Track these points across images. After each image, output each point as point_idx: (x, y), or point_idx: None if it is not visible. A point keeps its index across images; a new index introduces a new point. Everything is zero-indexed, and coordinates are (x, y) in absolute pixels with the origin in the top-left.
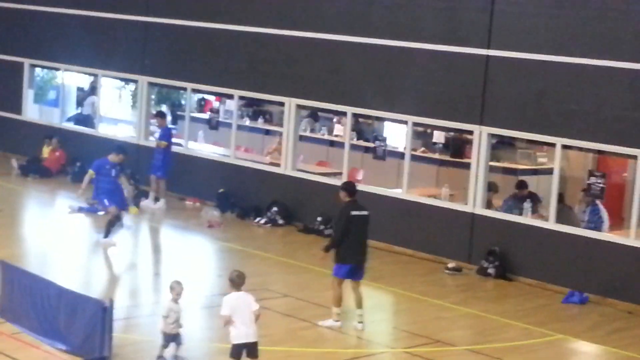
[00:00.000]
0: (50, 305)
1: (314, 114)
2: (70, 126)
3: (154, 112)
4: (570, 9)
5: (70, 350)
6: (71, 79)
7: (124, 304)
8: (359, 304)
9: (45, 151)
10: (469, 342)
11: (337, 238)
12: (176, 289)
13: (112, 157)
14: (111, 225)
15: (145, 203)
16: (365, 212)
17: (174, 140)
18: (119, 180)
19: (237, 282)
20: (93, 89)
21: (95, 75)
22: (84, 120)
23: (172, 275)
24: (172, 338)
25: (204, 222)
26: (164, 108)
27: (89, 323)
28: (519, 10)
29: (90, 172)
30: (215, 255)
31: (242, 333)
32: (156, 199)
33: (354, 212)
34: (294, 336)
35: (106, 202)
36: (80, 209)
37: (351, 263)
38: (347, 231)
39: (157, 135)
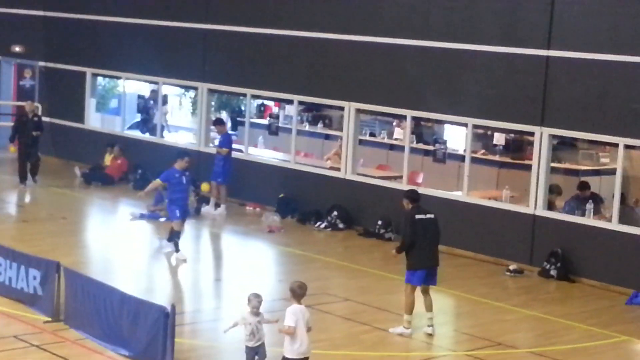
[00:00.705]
0: (113, 311)
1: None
2: (132, 134)
3: (213, 119)
4: (631, 7)
5: (133, 356)
6: (132, 87)
7: (186, 309)
8: (429, 308)
9: (108, 159)
10: (531, 345)
11: (406, 242)
12: (252, 301)
13: (179, 164)
14: (177, 237)
15: (207, 209)
16: (430, 215)
17: (234, 146)
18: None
19: (298, 293)
20: (164, 98)
21: (157, 83)
22: (153, 129)
23: (233, 280)
24: (254, 351)
25: (264, 227)
26: (223, 115)
27: (151, 329)
28: (579, 10)
29: (159, 181)
30: (275, 260)
31: (299, 349)
32: (217, 205)
33: (418, 216)
34: (355, 340)
35: (177, 213)
36: (142, 216)
37: (423, 268)
38: (415, 235)
39: (217, 142)
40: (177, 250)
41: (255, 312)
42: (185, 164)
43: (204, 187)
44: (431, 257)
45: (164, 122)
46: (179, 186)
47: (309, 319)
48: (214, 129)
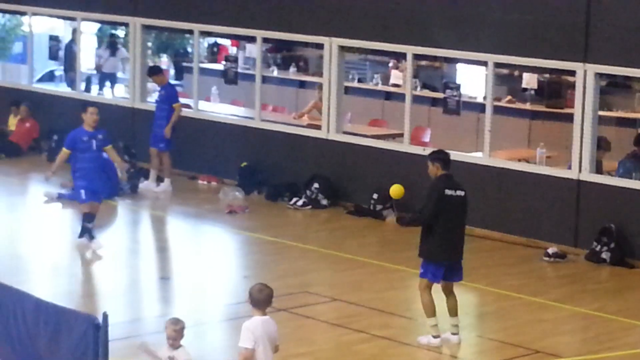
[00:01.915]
0: (26, 323)
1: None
2: (43, 87)
3: (149, 65)
4: None
5: None
6: (41, 25)
7: (121, 319)
8: (454, 311)
9: (12, 122)
10: (579, 352)
11: (424, 221)
12: (168, 329)
13: (86, 121)
14: (88, 221)
15: (145, 185)
16: (461, 192)
17: (181, 100)
18: (106, 154)
19: (259, 299)
20: (113, 43)
21: (74, 19)
22: (106, 78)
23: (183, 279)
24: None
25: (222, 207)
26: (164, 59)
27: (77, 346)
28: None
29: (64, 150)
30: (238, 251)
31: None
32: (159, 179)
33: (448, 191)
34: (347, 352)
35: (83, 194)
36: (61, 197)
37: (444, 260)
38: (439, 216)
39: (157, 95)
40: (92, 238)
41: (173, 345)
42: (93, 120)
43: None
44: (455, 247)
45: (120, 70)
46: (86, 153)
47: (275, 336)
48: (150, 80)
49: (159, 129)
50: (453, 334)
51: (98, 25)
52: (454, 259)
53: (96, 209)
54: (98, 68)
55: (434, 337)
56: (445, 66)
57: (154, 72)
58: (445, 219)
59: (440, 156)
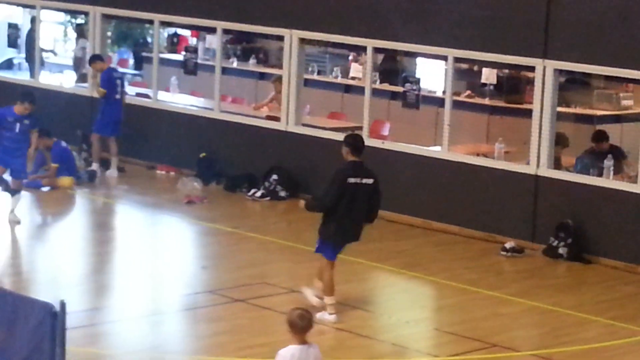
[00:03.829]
0: None
1: None
2: (2, 75)
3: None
4: None
5: None
6: (0, 13)
7: (79, 307)
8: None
9: None
10: (535, 346)
11: (324, 205)
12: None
13: (17, 107)
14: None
15: (110, 173)
16: (369, 181)
17: (140, 90)
18: (29, 137)
19: (300, 325)
20: (81, 32)
21: (33, 7)
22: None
23: (140, 268)
24: None
25: (181, 197)
26: (123, 49)
27: (34, 334)
28: None
29: None
30: (197, 241)
31: None
32: (120, 169)
33: (352, 179)
34: None
35: None
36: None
37: (337, 243)
38: (338, 202)
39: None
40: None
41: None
42: (24, 110)
43: (65, 182)
44: (352, 233)
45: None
46: (9, 133)
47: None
48: (89, 69)
49: (103, 116)
50: (330, 313)
51: (58, 13)
52: (350, 242)
53: (14, 185)
54: (78, 62)
55: (330, 314)
56: (406, 60)
57: (94, 59)
58: (346, 206)
59: (350, 141)
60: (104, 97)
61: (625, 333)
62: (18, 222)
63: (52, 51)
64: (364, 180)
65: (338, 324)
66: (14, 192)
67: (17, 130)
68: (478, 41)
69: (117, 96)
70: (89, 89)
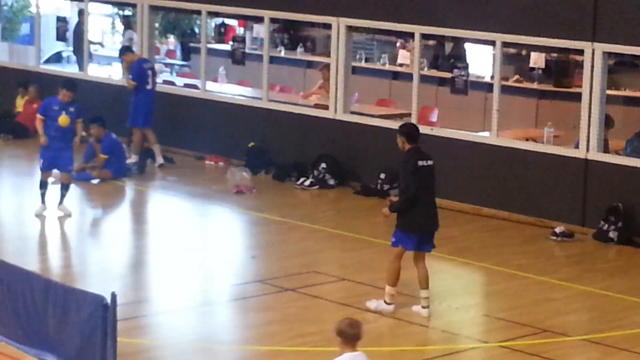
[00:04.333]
0: (35, 304)
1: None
2: (51, 69)
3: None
4: None
5: None
6: (48, 6)
7: (129, 299)
8: (424, 283)
9: (19, 103)
10: (586, 330)
11: (410, 197)
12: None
13: (60, 95)
14: (42, 187)
15: (157, 163)
16: (431, 162)
17: (187, 81)
18: (74, 127)
19: (350, 334)
20: (128, 24)
21: (80, 0)
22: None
23: (190, 259)
24: None
25: (230, 187)
26: (171, 40)
27: (85, 326)
28: None
29: (38, 115)
30: (246, 231)
31: None
32: (166, 158)
33: (421, 162)
34: None
35: (42, 162)
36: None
37: (421, 232)
38: (419, 188)
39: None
40: (42, 201)
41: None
42: (66, 98)
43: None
44: (431, 216)
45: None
46: (55, 122)
47: None
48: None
49: (131, 108)
50: (424, 307)
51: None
52: (429, 230)
53: (63, 178)
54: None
55: (388, 304)
56: (454, 46)
57: (124, 51)
58: (424, 190)
59: (405, 130)
60: (134, 89)
61: None
62: (69, 215)
63: (100, 43)
64: (429, 162)
65: (366, 301)
66: (63, 185)
67: None
68: (526, 25)
69: (149, 87)
70: (123, 81)
